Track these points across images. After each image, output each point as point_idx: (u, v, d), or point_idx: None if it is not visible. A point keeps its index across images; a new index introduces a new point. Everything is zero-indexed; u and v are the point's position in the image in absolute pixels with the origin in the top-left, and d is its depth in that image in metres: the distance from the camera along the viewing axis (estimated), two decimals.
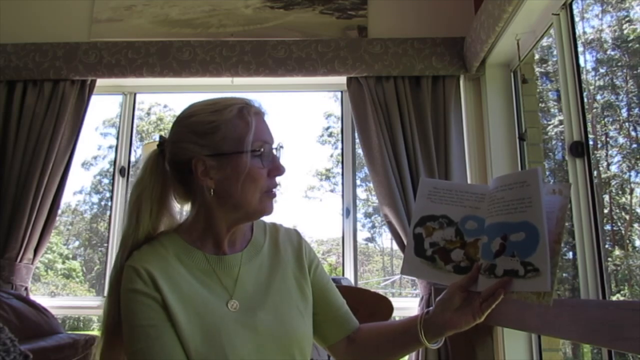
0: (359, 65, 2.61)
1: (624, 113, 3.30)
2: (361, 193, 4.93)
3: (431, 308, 0.99)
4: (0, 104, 2.67)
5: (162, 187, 1.01)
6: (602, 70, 3.29)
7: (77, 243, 6.21)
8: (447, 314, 0.94)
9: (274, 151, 1.00)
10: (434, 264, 0.97)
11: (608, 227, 3.31)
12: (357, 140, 2.73)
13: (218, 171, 0.95)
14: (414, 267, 0.98)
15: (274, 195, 1.00)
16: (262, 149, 0.96)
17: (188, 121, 0.99)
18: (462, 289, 0.93)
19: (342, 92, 2.94)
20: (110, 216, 2.88)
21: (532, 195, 0.87)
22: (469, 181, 2.56)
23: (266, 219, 1.11)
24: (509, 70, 2.59)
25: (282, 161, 1.02)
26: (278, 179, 1.01)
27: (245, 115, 0.97)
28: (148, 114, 6.36)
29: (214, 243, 1.00)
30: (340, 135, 2.99)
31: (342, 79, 2.71)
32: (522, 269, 0.86)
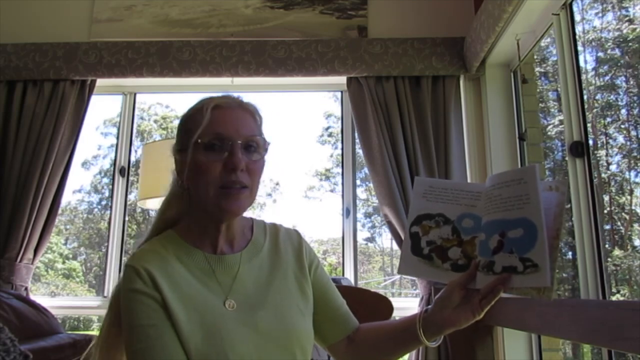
0: (359, 65, 2.61)
1: (624, 113, 3.30)
2: (361, 193, 4.93)
3: (430, 306, 0.99)
4: (0, 104, 2.67)
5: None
6: (602, 70, 3.29)
7: (77, 243, 6.21)
8: (446, 312, 0.94)
9: (237, 145, 0.94)
10: (431, 263, 0.97)
11: (608, 227, 3.31)
12: (357, 140, 2.73)
13: (181, 166, 0.99)
14: (411, 266, 0.98)
15: (232, 193, 0.93)
16: (213, 142, 0.93)
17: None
18: (460, 286, 0.93)
19: (342, 92, 2.94)
20: (110, 216, 2.88)
21: (529, 192, 0.87)
22: (469, 181, 2.56)
23: (267, 219, 1.12)
24: (509, 70, 2.59)
25: (241, 156, 0.94)
26: (247, 176, 0.95)
27: (203, 110, 0.96)
28: (148, 113, 6.36)
29: (210, 242, 1.00)
30: (340, 135, 2.99)
31: (342, 79, 2.71)
32: (521, 265, 0.86)
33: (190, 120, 0.98)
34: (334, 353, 1.10)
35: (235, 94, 1.03)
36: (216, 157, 0.93)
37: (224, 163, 0.93)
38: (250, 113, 1.01)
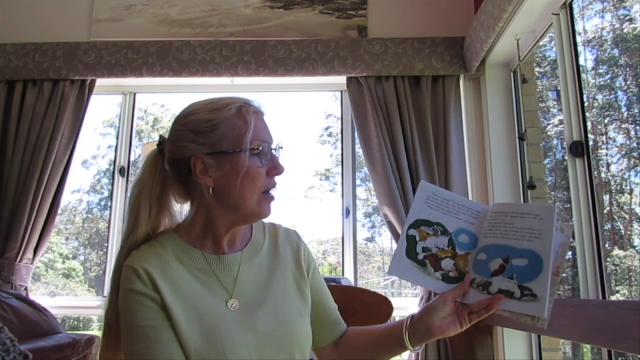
0: (359, 65, 2.61)
1: (625, 113, 3.30)
2: (361, 193, 4.92)
3: (415, 314, 1.00)
4: (0, 104, 2.67)
5: (162, 187, 1.01)
6: (601, 70, 3.29)
7: (77, 243, 6.21)
8: (436, 321, 0.96)
9: (273, 151, 1.00)
10: (424, 269, 0.99)
11: (608, 227, 3.31)
12: (357, 140, 2.73)
13: (217, 170, 0.95)
14: (403, 269, 1.00)
15: (273, 198, 0.99)
16: (261, 148, 0.96)
17: (187, 120, 0.98)
18: (453, 299, 0.96)
19: (342, 92, 2.94)
20: (110, 216, 2.88)
21: (544, 229, 0.92)
22: (469, 181, 2.56)
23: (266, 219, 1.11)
24: (509, 70, 2.59)
25: (282, 161, 1.01)
26: (278, 179, 1.00)
27: (244, 114, 0.96)
28: (145, 112, 6.36)
29: (213, 243, 1.00)
30: (340, 135, 2.99)
31: (342, 79, 2.71)
32: (519, 292, 0.91)
33: (226, 124, 0.95)
34: (320, 356, 1.11)
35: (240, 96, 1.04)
36: (264, 163, 0.97)
37: (269, 169, 0.98)
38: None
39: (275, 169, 0.98)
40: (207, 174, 0.95)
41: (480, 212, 1.02)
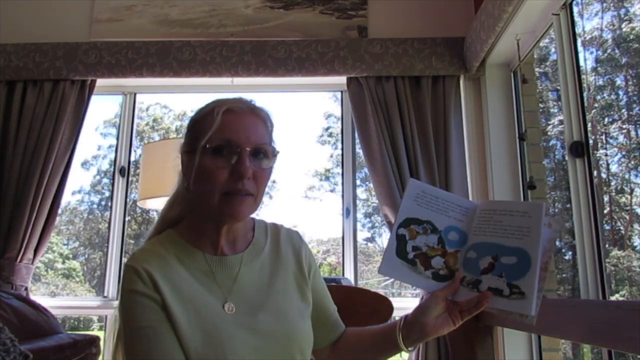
0: (359, 65, 2.61)
1: (625, 113, 3.30)
2: (361, 193, 4.92)
3: (408, 314, 1.00)
4: (0, 104, 2.67)
5: None
6: (601, 70, 3.29)
7: (77, 243, 6.21)
8: (430, 320, 0.96)
9: (246, 153, 0.92)
10: (415, 268, 0.99)
11: (608, 227, 3.31)
12: (357, 140, 2.73)
13: (188, 168, 0.97)
14: (393, 268, 1.00)
15: (236, 200, 0.92)
16: (223, 147, 0.92)
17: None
18: (443, 298, 0.96)
19: (342, 92, 2.94)
20: (110, 216, 2.88)
21: (531, 226, 0.92)
22: (469, 181, 2.56)
23: (268, 219, 1.12)
24: (509, 70, 2.59)
25: (257, 164, 0.94)
26: (251, 182, 0.93)
27: (213, 113, 0.95)
28: (146, 111, 6.35)
29: (211, 243, 0.99)
30: (340, 136, 2.99)
31: (342, 79, 2.71)
32: (507, 290, 0.91)
33: (200, 123, 0.96)
34: (317, 357, 1.11)
35: (248, 98, 1.01)
36: (223, 163, 0.92)
37: (231, 170, 0.91)
38: (262, 119, 0.99)
39: (234, 171, 0.91)
40: (184, 172, 0.99)
41: (468, 209, 1.01)
